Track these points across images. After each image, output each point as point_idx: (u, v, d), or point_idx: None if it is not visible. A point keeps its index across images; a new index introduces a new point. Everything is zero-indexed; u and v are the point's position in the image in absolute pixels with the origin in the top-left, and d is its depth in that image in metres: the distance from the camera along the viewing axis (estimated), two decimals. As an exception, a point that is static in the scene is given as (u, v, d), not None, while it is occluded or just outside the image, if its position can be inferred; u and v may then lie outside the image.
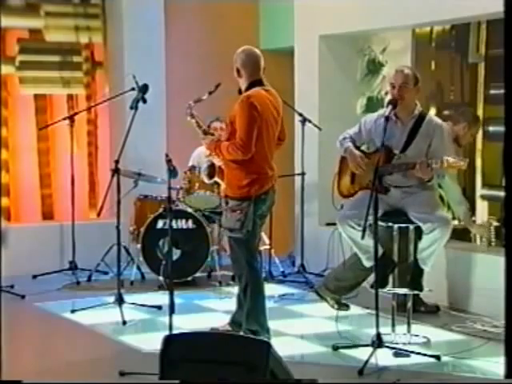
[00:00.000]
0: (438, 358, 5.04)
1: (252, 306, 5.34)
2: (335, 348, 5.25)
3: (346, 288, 6.27)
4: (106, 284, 7.21)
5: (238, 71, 5.30)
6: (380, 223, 5.33)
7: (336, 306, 6.25)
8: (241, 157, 5.18)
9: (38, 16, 8.31)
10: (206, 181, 6.43)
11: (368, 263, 5.66)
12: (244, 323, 5.37)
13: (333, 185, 6.00)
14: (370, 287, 5.89)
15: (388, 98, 6.18)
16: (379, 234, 5.29)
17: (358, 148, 5.75)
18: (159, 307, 6.30)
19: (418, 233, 5.52)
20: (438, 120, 5.64)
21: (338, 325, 5.55)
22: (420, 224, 5.43)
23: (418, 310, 5.92)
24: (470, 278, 6.27)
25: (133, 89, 6.48)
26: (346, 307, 6.29)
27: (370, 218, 4.95)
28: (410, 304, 5.50)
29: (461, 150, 6.36)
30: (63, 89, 8.44)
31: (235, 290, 5.75)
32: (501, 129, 6.20)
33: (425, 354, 5.09)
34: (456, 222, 7.02)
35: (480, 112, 6.87)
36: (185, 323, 5.73)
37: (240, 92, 5.35)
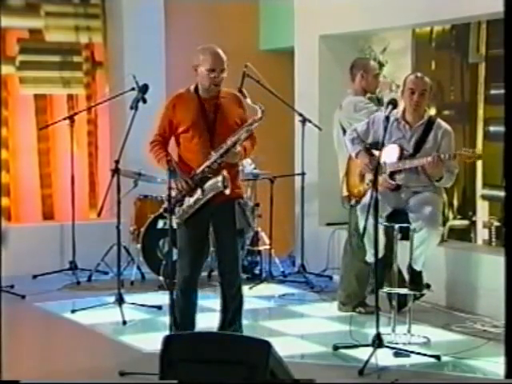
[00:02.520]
0: (438, 358, 5.04)
1: (242, 301, 5.33)
2: (335, 348, 5.25)
3: (355, 293, 6.22)
4: (106, 284, 7.21)
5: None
6: (384, 223, 5.35)
7: (363, 311, 6.18)
8: None
9: (38, 16, 8.31)
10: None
11: (370, 258, 5.63)
12: (235, 322, 5.31)
13: (341, 186, 6.00)
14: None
15: (387, 97, 6.20)
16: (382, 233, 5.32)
17: (367, 150, 5.74)
18: (159, 307, 6.30)
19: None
20: (447, 125, 5.63)
21: (350, 326, 5.51)
22: (412, 222, 5.43)
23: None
24: (470, 278, 6.27)
25: (133, 89, 6.49)
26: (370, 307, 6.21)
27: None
28: (410, 304, 5.50)
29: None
30: (63, 89, 8.44)
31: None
32: (501, 129, 6.19)
33: (425, 354, 5.09)
34: (457, 222, 7.03)
35: (480, 112, 6.87)
36: (185, 323, 5.73)
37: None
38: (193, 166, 5.11)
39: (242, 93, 5.21)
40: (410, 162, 5.48)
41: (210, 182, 5.05)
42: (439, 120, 5.68)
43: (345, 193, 5.99)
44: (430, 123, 5.58)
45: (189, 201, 5.08)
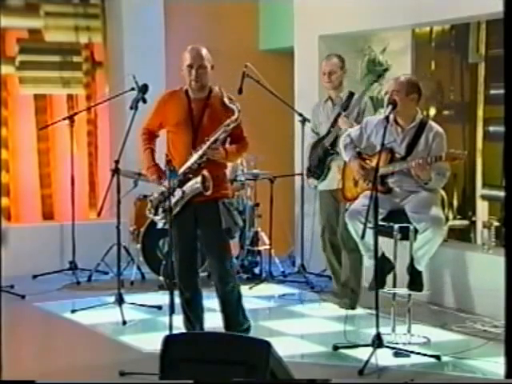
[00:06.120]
0: (438, 358, 5.04)
1: (242, 304, 5.32)
2: (335, 348, 5.25)
3: (349, 289, 6.33)
4: (106, 284, 7.22)
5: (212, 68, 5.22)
6: (381, 223, 5.34)
7: (345, 307, 6.30)
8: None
9: (38, 16, 8.31)
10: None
11: (369, 262, 5.65)
12: (238, 325, 5.28)
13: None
14: (368, 289, 5.91)
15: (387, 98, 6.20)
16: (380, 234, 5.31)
17: (360, 154, 5.76)
18: (159, 307, 6.30)
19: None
20: (439, 128, 5.63)
21: (345, 325, 5.54)
22: (414, 223, 5.44)
23: None
24: (470, 278, 6.27)
25: (133, 89, 6.49)
26: (352, 307, 6.29)
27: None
28: (410, 304, 5.50)
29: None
30: (63, 89, 8.44)
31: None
32: (501, 129, 6.20)
33: (425, 354, 5.09)
34: (457, 223, 7.03)
35: (480, 112, 6.87)
36: (185, 323, 5.73)
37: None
38: (176, 165, 5.09)
39: (221, 90, 5.18)
40: (399, 165, 5.48)
41: (189, 183, 5.09)
42: (431, 122, 5.67)
43: (340, 196, 6.03)
44: (422, 125, 5.58)
45: (170, 201, 5.07)
